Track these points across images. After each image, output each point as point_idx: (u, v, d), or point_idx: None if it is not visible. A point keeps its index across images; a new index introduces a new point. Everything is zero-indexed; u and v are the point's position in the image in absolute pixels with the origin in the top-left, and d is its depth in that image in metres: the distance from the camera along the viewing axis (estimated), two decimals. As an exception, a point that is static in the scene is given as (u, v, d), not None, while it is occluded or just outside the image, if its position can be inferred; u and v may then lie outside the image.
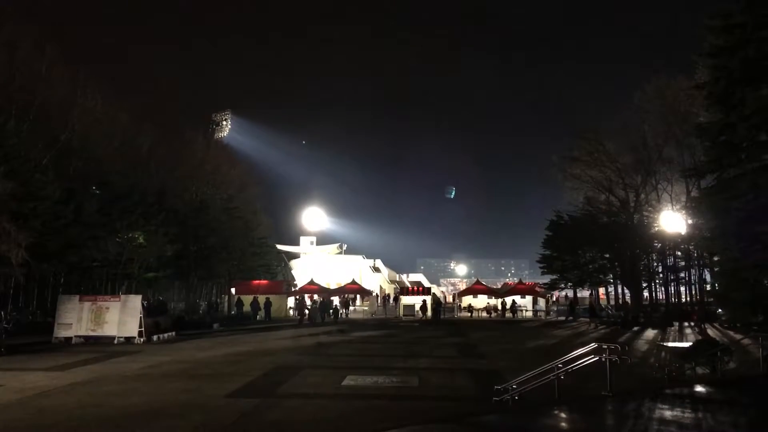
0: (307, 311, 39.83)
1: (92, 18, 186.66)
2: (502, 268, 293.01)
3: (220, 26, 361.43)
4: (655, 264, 51.38)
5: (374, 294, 54.90)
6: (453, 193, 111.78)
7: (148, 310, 30.41)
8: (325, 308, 41.72)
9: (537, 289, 54.23)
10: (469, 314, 48.96)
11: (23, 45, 34.03)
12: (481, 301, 50.71)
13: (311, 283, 51.13)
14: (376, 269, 67.04)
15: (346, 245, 74.24)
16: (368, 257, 68.55)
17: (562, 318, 45.01)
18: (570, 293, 58.30)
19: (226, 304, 50.86)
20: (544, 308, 51.09)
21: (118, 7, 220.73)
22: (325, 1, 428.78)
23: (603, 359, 12.24)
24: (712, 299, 39.03)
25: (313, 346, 24.34)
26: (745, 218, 23.50)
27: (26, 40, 34.30)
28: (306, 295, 46.98)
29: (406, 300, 48.26)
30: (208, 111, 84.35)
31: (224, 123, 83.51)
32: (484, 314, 49.36)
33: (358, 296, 54.46)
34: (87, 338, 25.45)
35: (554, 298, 53.53)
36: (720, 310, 34.39)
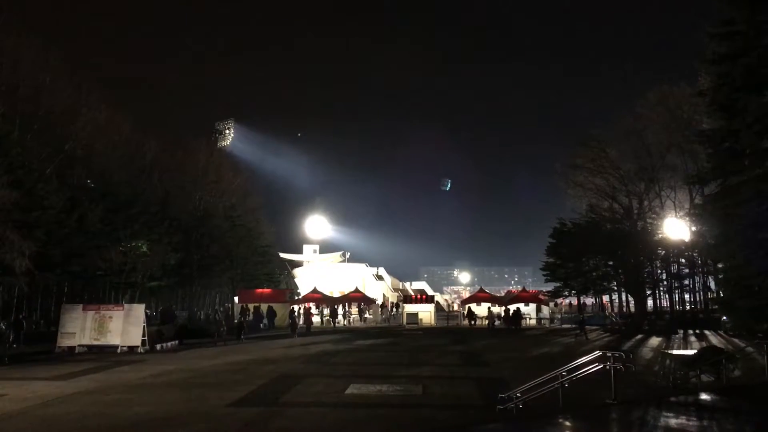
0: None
1: (94, 29, 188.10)
2: (506, 276, 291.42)
3: (221, 35, 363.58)
4: (659, 271, 51.23)
5: (377, 302, 54.74)
6: (449, 186, 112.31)
7: (159, 317, 30.34)
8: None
9: (541, 297, 54.03)
10: (473, 322, 48.51)
11: (27, 55, 34.24)
12: (482, 309, 50.33)
13: (314, 291, 51.03)
14: (380, 277, 66.69)
15: (349, 253, 74.03)
16: (371, 265, 68.19)
17: (567, 326, 44.71)
18: (574, 301, 58.09)
19: (229, 313, 50.80)
20: (548, 316, 50.85)
21: (120, 16, 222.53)
22: (326, 4, 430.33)
23: (607, 367, 12.19)
24: (716, 307, 38.84)
25: (317, 354, 24.31)
26: (749, 225, 23.40)
27: (30, 49, 34.52)
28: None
29: (409, 308, 48.09)
30: (210, 120, 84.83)
31: (227, 132, 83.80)
32: (486, 322, 48.79)
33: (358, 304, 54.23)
34: (90, 347, 25.49)
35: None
36: (724, 318, 34.24)
